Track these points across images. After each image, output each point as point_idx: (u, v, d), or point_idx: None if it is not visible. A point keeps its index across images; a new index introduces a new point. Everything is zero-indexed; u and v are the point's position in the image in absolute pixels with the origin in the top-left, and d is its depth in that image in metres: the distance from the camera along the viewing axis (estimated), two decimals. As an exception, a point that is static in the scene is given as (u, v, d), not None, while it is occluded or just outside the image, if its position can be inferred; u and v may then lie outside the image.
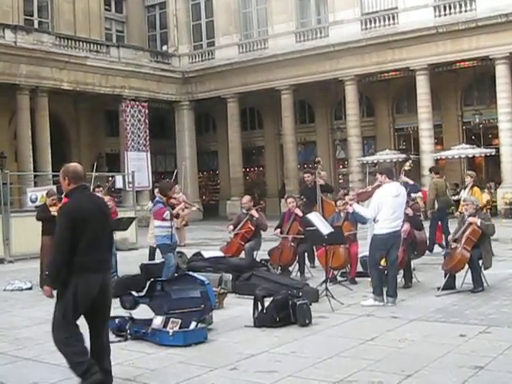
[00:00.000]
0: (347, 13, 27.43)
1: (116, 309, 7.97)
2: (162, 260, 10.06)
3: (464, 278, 9.05)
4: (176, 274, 9.35)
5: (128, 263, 12.26)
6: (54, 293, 5.04)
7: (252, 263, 10.74)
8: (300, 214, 10.85)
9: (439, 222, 13.57)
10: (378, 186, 8.59)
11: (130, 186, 21.61)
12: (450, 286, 8.97)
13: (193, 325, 6.65)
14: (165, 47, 33.53)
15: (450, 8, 25.25)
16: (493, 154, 25.18)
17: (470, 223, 9.06)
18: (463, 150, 25.37)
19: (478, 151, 25.68)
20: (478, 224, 8.99)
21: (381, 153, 27.45)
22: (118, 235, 11.88)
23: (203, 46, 32.71)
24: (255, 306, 7.40)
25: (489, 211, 11.07)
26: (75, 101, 30.54)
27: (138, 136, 29.66)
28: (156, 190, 11.38)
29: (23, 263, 14.51)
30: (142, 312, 7.38)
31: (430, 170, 15.44)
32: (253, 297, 7.58)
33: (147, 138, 30.05)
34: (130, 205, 20.41)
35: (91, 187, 11.33)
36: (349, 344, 6.32)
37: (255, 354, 6.08)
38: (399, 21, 26.28)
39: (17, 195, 20.54)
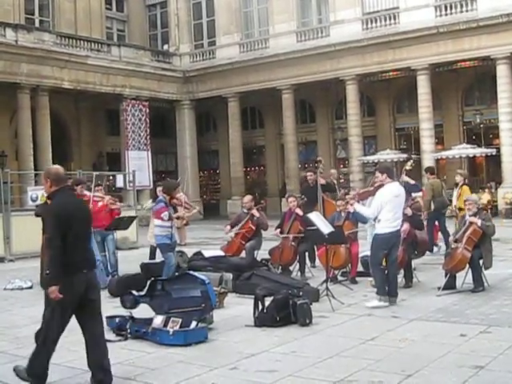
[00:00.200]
0: (348, 12, 27.44)
1: (116, 308, 8.00)
2: (163, 259, 10.06)
3: (464, 277, 9.05)
4: (176, 274, 9.35)
5: (128, 262, 12.26)
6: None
7: (252, 263, 10.73)
8: (301, 213, 10.84)
9: (436, 223, 13.55)
10: (380, 185, 8.57)
11: (131, 185, 21.61)
12: (450, 285, 8.97)
13: (193, 324, 6.65)
14: (166, 46, 33.55)
15: (451, 8, 25.26)
16: (493, 153, 25.21)
17: (471, 223, 9.06)
18: (464, 149, 25.38)
19: (478, 151, 25.70)
20: (479, 224, 8.98)
21: (381, 152, 27.48)
22: (118, 234, 11.85)
23: (204, 46, 32.72)
24: (256, 306, 7.39)
25: (489, 211, 11.09)
26: (76, 100, 30.56)
27: (139, 135, 29.67)
28: (158, 189, 11.36)
29: (24, 262, 14.50)
30: (143, 311, 7.38)
31: (426, 171, 15.42)
32: (253, 296, 7.58)
33: (148, 137, 30.06)
34: (131, 204, 20.41)
35: (92, 186, 11.31)
36: (349, 344, 6.32)
37: (255, 354, 6.08)
38: (400, 20, 26.29)
39: (17, 194, 20.54)
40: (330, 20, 28.47)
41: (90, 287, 5.20)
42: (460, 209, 12.54)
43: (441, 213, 13.74)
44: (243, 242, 11.34)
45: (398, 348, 6.15)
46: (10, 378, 5.34)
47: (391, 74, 27.87)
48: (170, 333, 6.50)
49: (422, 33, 25.12)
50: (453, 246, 9.24)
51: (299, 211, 10.99)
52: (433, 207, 13.58)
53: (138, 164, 27.81)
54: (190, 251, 12.22)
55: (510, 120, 24.20)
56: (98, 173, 16.04)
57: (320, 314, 7.60)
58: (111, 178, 27.68)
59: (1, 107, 26.54)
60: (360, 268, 10.43)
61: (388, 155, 27.02)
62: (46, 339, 5.13)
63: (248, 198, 11.91)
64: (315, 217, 9.00)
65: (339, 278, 10.37)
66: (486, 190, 24.90)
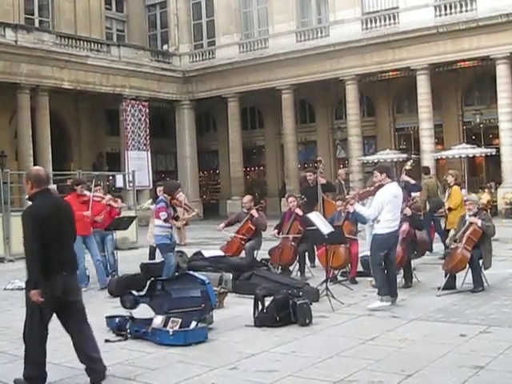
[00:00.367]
0: (348, 12, 27.44)
1: (116, 308, 8.00)
2: (162, 259, 10.06)
3: (464, 277, 9.05)
4: (176, 274, 9.35)
5: (128, 262, 12.26)
6: None
7: (252, 263, 10.73)
8: (300, 213, 10.84)
9: (432, 223, 13.55)
10: (380, 185, 8.55)
11: (131, 185, 21.60)
12: (450, 285, 8.97)
13: (193, 324, 6.65)
14: (165, 46, 33.54)
15: (450, 8, 25.25)
16: (493, 153, 25.20)
17: (471, 223, 9.06)
18: (464, 149, 25.37)
19: (478, 151, 25.69)
20: (479, 225, 8.98)
21: (381, 152, 27.47)
22: (118, 234, 11.85)
23: (204, 46, 32.71)
24: (255, 306, 7.39)
25: (489, 211, 11.10)
26: (76, 100, 30.55)
27: (139, 135, 29.66)
28: (159, 189, 11.36)
29: (23, 262, 14.46)
30: (143, 311, 7.38)
31: (422, 171, 15.37)
32: (253, 296, 7.58)
33: (148, 137, 30.05)
34: (131, 204, 20.40)
35: (92, 186, 11.31)
36: (349, 344, 6.32)
37: (255, 354, 6.08)
38: (400, 20, 26.28)
39: (17, 194, 20.51)
40: (329, 20, 28.47)
41: (69, 290, 5.21)
42: (449, 209, 12.55)
43: (436, 213, 13.74)
44: (243, 242, 11.34)
45: (398, 348, 6.15)
46: (10, 378, 5.34)
47: (391, 73, 27.86)
48: (170, 333, 6.50)
49: (421, 33, 25.11)
50: (452, 246, 9.24)
51: (299, 211, 10.99)
52: (428, 207, 13.59)
53: (138, 164, 27.80)
54: (189, 251, 12.23)
55: (509, 120, 24.20)
56: (97, 173, 16.03)
57: (320, 314, 7.60)
58: (111, 178, 27.68)
59: (0, 107, 26.54)
60: (360, 268, 10.44)
61: (388, 155, 27.02)
62: (30, 340, 5.17)
63: (247, 198, 11.92)
64: (315, 217, 9.00)
65: (339, 278, 10.37)
66: (486, 190, 24.91)
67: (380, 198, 8.31)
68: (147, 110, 30.12)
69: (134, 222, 14.74)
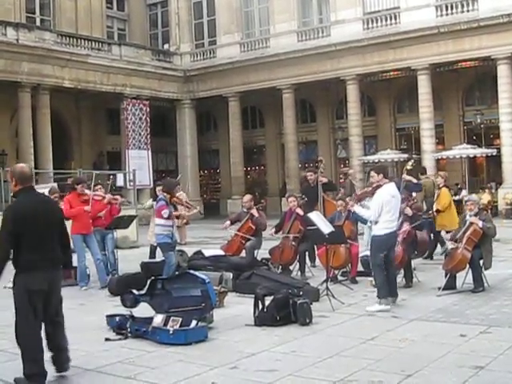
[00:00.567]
0: (349, 12, 27.43)
1: (116, 307, 8.00)
2: (163, 258, 10.06)
3: (465, 278, 9.05)
4: (177, 273, 9.35)
5: (129, 261, 12.26)
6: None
7: (253, 262, 10.73)
8: (301, 213, 10.84)
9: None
10: (378, 186, 8.51)
11: (131, 184, 21.61)
12: (450, 285, 8.97)
13: (193, 323, 6.65)
14: (166, 46, 33.52)
15: (451, 8, 25.24)
16: (494, 154, 25.20)
17: (471, 223, 9.05)
18: (464, 150, 25.37)
19: (479, 151, 25.69)
20: (480, 225, 8.97)
21: (382, 152, 27.48)
22: (118, 233, 11.85)
23: (205, 45, 32.71)
24: (256, 305, 7.40)
25: (490, 211, 11.10)
26: (77, 99, 30.55)
27: (139, 134, 29.65)
28: (158, 188, 11.35)
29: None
30: (143, 310, 7.38)
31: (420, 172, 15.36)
32: (253, 296, 7.58)
33: (148, 136, 30.04)
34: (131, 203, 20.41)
35: (92, 185, 11.31)
36: (349, 343, 6.32)
37: (256, 353, 6.08)
38: (401, 20, 26.27)
39: (18, 193, 20.53)
40: (330, 20, 28.47)
41: (53, 283, 5.30)
42: (438, 211, 12.54)
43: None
44: (243, 242, 11.34)
45: (398, 348, 6.15)
46: (11, 377, 5.34)
47: (392, 73, 27.86)
48: (170, 332, 6.50)
49: (422, 33, 25.10)
50: (452, 246, 9.24)
51: (299, 211, 10.99)
52: (425, 207, 13.59)
53: (139, 163, 27.81)
54: (190, 250, 12.22)
55: (510, 120, 24.18)
56: (98, 172, 16.04)
57: (320, 314, 7.60)
58: (111, 176, 27.66)
59: (1, 106, 26.54)
60: (360, 268, 10.44)
61: (388, 155, 27.03)
62: (23, 339, 5.22)
63: (247, 197, 11.91)
64: (315, 216, 9.00)
65: (339, 277, 10.37)
66: (487, 191, 24.90)
67: (379, 199, 8.25)
68: (148, 109, 30.11)
69: (135, 221, 14.74)
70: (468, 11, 24.86)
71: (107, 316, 7.35)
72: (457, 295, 8.73)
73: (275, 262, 10.86)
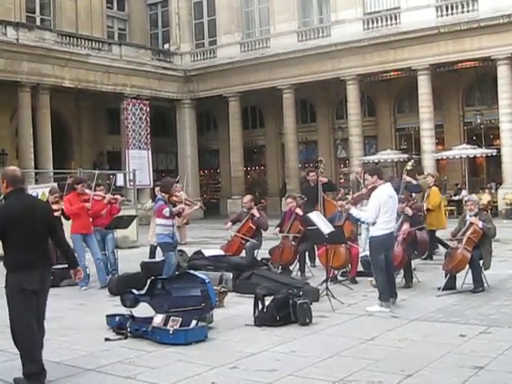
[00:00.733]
0: (349, 12, 27.45)
1: (116, 307, 8.00)
2: (163, 258, 10.06)
3: (464, 278, 9.05)
4: (177, 273, 9.35)
5: (128, 261, 12.26)
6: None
7: (253, 262, 10.73)
8: (301, 213, 10.84)
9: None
10: (373, 188, 8.47)
11: (131, 184, 21.61)
12: (450, 286, 8.96)
13: (193, 323, 6.65)
14: (167, 45, 33.54)
15: (452, 8, 25.25)
16: (494, 154, 25.23)
17: (471, 223, 9.05)
18: (464, 150, 25.40)
19: (479, 152, 25.71)
20: (480, 226, 8.97)
21: (382, 152, 27.51)
22: (118, 233, 11.85)
23: (205, 45, 32.72)
24: (256, 305, 7.39)
25: (489, 212, 11.10)
26: (77, 98, 30.56)
27: (140, 134, 29.66)
28: (156, 189, 11.36)
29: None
30: (143, 310, 7.38)
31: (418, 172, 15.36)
32: (253, 296, 7.58)
33: (148, 136, 30.05)
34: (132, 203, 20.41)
35: (93, 185, 11.31)
36: (349, 343, 6.32)
37: (255, 353, 6.08)
38: (401, 21, 26.28)
39: (18, 192, 20.54)
40: (330, 20, 28.48)
41: (44, 284, 5.34)
42: (428, 210, 12.55)
43: None
44: (243, 242, 11.34)
45: (398, 348, 6.15)
46: (10, 376, 5.34)
47: (392, 74, 27.87)
48: (170, 332, 6.50)
49: (422, 33, 25.11)
50: (453, 246, 9.24)
51: (299, 211, 10.99)
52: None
53: (139, 163, 27.83)
54: (190, 250, 12.22)
55: (510, 121, 24.20)
56: (98, 171, 16.04)
57: (320, 314, 7.60)
58: (112, 176, 27.67)
59: (1, 106, 26.54)
60: (360, 268, 10.43)
61: (388, 155, 27.05)
62: (20, 339, 5.23)
63: (248, 197, 11.91)
64: (315, 216, 8.99)
65: (339, 277, 10.37)
66: (486, 191, 24.92)
67: (376, 200, 8.17)
68: (148, 109, 30.12)
69: (135, 221, 14.74)
70: (468, 11, 24.87)
71: (107, 316, 7.35)
72: (457, 295, 8.73)
73: (275, 262, 10.86)
